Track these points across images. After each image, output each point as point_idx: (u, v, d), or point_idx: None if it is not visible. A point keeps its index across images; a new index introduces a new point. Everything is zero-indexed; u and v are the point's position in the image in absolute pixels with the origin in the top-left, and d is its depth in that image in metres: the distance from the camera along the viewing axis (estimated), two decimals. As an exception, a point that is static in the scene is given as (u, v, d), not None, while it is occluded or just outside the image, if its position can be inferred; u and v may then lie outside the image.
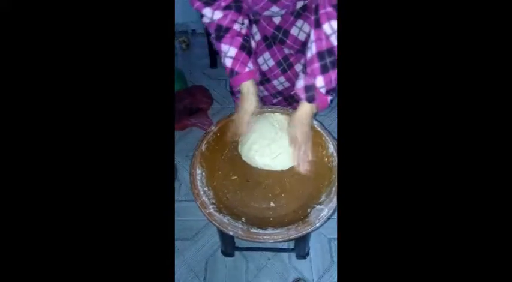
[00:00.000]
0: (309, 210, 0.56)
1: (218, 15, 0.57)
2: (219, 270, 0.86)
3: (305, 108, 0.61)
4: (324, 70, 0.55)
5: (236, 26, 0.60)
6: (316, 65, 0.55)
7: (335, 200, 0.55)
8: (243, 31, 0.61)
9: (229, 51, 0.60)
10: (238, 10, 0.59)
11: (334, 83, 0.57)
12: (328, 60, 0.54)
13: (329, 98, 0.59)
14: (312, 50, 0.55)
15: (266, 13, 0.68)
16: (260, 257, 0.88)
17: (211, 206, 0.56)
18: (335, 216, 0.92)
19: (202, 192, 0.58)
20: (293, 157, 0.62)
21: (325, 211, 0.54)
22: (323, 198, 0.57)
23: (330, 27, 0.52)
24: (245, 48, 0.61)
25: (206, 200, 0.57)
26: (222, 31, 0.59)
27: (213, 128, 0.66)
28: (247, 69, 0.62)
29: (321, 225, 0.53)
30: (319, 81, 0.56)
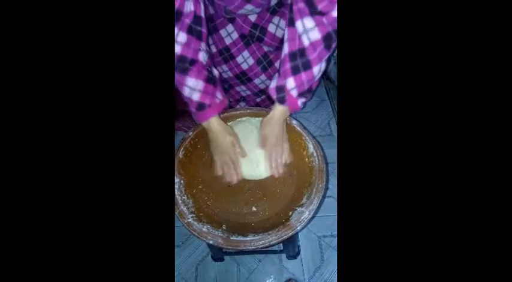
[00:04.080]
0: (290, 213, 0.55)
1: (182, 37, 0.53)
2: (210, 276, 0.85)
3: (277, 110, 0.59)
4: (295, 71, 0.53)
5: (201, 57, 0.56)
6: (288, 66, 0.53)
7: (315, 201, 0.54)
8: (207, 62, 0.58)
9: (197, 85, 0.57)
10: (199, 36, 0.55)
11: (306, 86, 0.55)
12: (300, 61, 0.52)
13: (300, 100, 0.57)
14: (285, 50, 0.53)
15: (241, 11, 0.66)
16: (251, 260, 0.87)
17: (189, 215, 0.54)
18: (323, 214, 0.92)
19: (180, 201, 0.56)
20: (267, 160, 0.60)
21: (306, 213, 0.52)
22: (304, 200, 0.55)
23: (302, 25, 0.50)
24: (211, 80, 0.58)
25: (185, 209, 0.55)
26: (187, 63, 0.55)
27: (190, 133, 0.64)
28: (217, 100, 0.60)
29: (302, 229, 0.52)
30: (290, 83, 0.54)
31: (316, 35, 0.49)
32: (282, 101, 0.57)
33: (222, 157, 0.60)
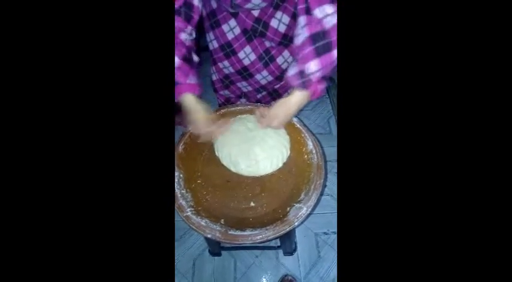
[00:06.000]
0: (288, 209, 0.55)
1: None
2: (207, 270, 0.86)
3: (296, 95, 0.57)
4: (318, 53, 0.52)
5: (182, 36, 0.56)
6: (310, 48, 0.52)
7: (313, 198, 0.54)
8: (188, 43, 0.58)
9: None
10: (188, 19, 0.55)
11: (329, 68, 0.54)
12: (322, 42, 0.52)
13: (322, 85, 0.56)
14: (304, 34, 0.53)
15: (248, 6, 0.65)
16: (248, 255, 0.88)
17: (188, 209, 0.55)
18: (320, 211, 0.93)
19: (179, 195, 0.56)
20: (260, 121, 0.60)
21: (304, 209, 0.53)
22: (302, 196, 0.56)
23: (321, 11, 0.50)
24: (188, 60, 0.58)
25: (183, 203, 0.55)
26: None
27: (190, 128, 0.64)
28: (188, 81, 0.59)
29: (299, 224, 0.53)
30: (314, 65, 0.53)
31: (335, 19, 0.50)
32: (305, 86, 0.55)
33: (195, 129, 0.63)
